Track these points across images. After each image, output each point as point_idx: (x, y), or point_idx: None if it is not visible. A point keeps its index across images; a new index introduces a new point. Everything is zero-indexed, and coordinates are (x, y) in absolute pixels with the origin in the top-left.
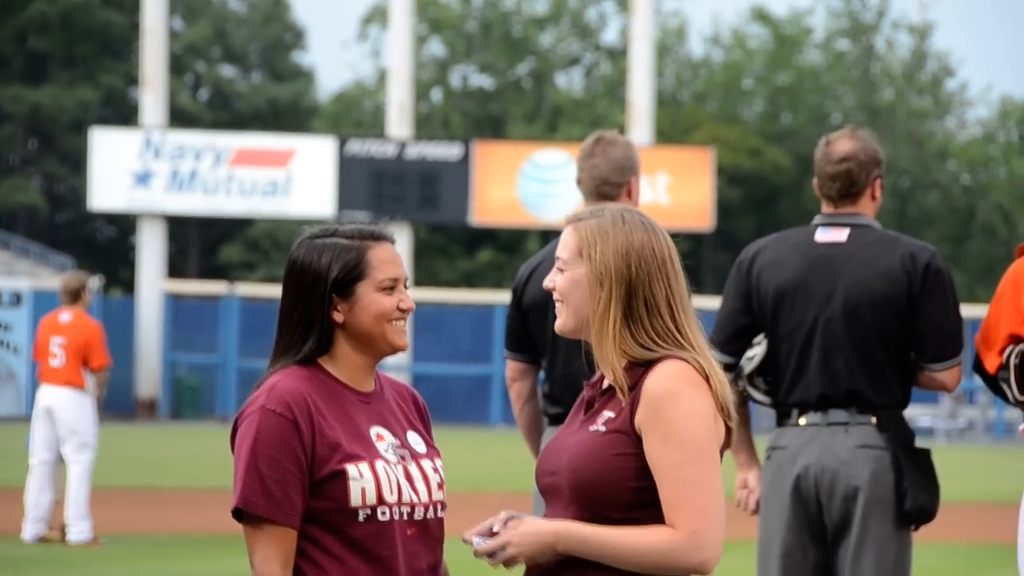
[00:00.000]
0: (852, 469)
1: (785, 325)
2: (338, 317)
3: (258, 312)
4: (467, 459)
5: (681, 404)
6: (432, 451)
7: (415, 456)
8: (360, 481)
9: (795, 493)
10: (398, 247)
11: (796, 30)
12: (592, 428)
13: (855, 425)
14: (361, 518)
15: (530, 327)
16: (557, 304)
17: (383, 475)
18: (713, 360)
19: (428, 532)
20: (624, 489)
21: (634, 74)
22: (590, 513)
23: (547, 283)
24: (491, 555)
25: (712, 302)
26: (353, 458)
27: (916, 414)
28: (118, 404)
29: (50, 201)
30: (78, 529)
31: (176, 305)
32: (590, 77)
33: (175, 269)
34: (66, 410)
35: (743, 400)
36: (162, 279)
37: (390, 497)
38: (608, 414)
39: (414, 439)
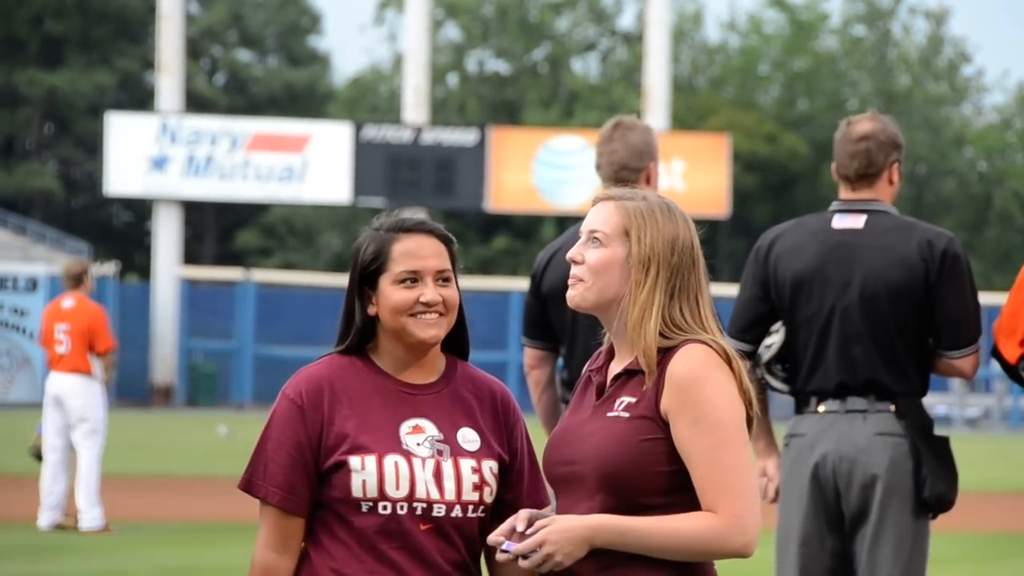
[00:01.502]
0: (870, 457)
1: (803, 313)
2: (371, 310)
3: (274, 298)
4: None
5: (709, 386)
6: (487, 451)
7: (456, 453)
8: (361, 473)
9: (813, 481)
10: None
11: (812, 15)
12: (611, 415)
13: (873, 413)
14: (364, 509)
15: (548, 314)
16: (575, 277)
17: (390, 469)
18: (731, 348)
19: (448, 531)
20: (655, 474)
21: (650, 59)
22: (620, 501)
23: (573, 254)
24: (524, 556)
25: (727, 289)
26: (359, 450)
27: (931, 402)
28: (133, 391)
29: (66, 186)
30: (90, 516)
31: (192, 291)
32: (606, 62)
33: (191, 255)
34: (75, 397)
35: (761, 388)
36: (178, 265)
37: (395, 492)
38: (627, 399)
39: (467, 435)
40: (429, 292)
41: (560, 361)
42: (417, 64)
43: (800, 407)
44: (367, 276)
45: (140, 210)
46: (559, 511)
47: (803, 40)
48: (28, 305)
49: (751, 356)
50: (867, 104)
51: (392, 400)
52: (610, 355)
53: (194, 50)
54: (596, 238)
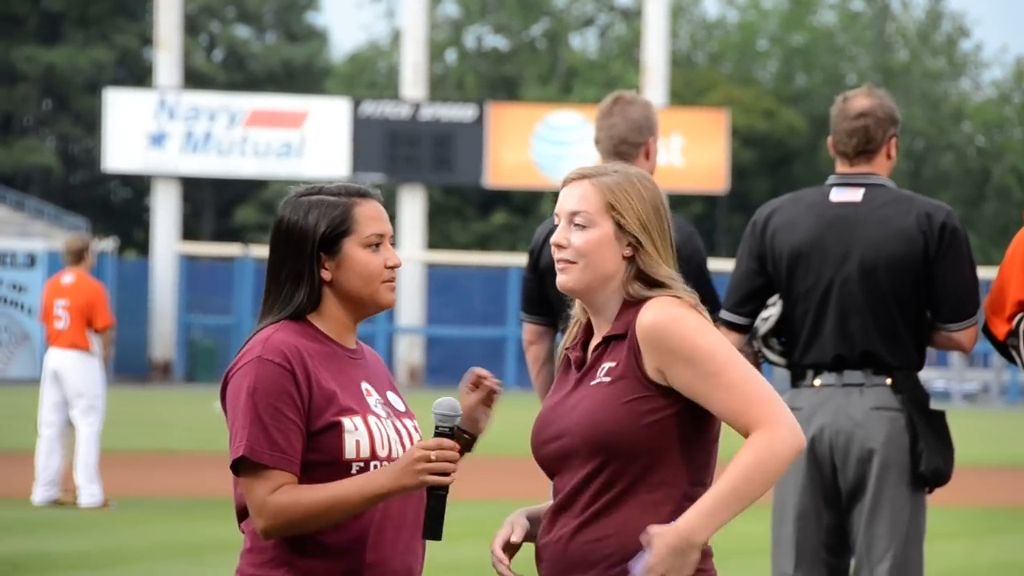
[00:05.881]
0: (867, 431)
1: (800, 286)
2: (326, 275)
3: None
4: None
5: (679, 324)
6: (409, 412)
7: (397, 414)
8: (355, 434)
9: (810, 455)
10: (413, 208)
11: None
12: (594, 383)
13: (870, 387)
14: (354, 471)
15: (547, 289)
16: (564, 261)
17: (376, 429)
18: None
19: None
20: (643, 434)
21: (648, 35)
22: (612, 464)
23: (558, 239)
24: None
25: (726, 264)
26: (348, 411)
27: (929, 377)
28: (132, 366)
29: (64, 162)
30: (88, 492)
31: (190, 267)
32: (604, 38)
33: (189, 231)
34: (72, 372)
35: (757, 362)
36: (176, 241)
37: (381, 451)
38: (608, 365)
39: (393, 398)
40: (393, 256)
41: (559, 336)
42: (415, 40)
43: (796, 381)
44: (330, 240)
45: (138, 186)
46: (556, 490)
47: (801, 15)
48: (27, 281)
49: (747, 329)
50: (865, 79)
51: (345, 364)
52: (587, 334)
53: (192, 26)
54: (579, 220)
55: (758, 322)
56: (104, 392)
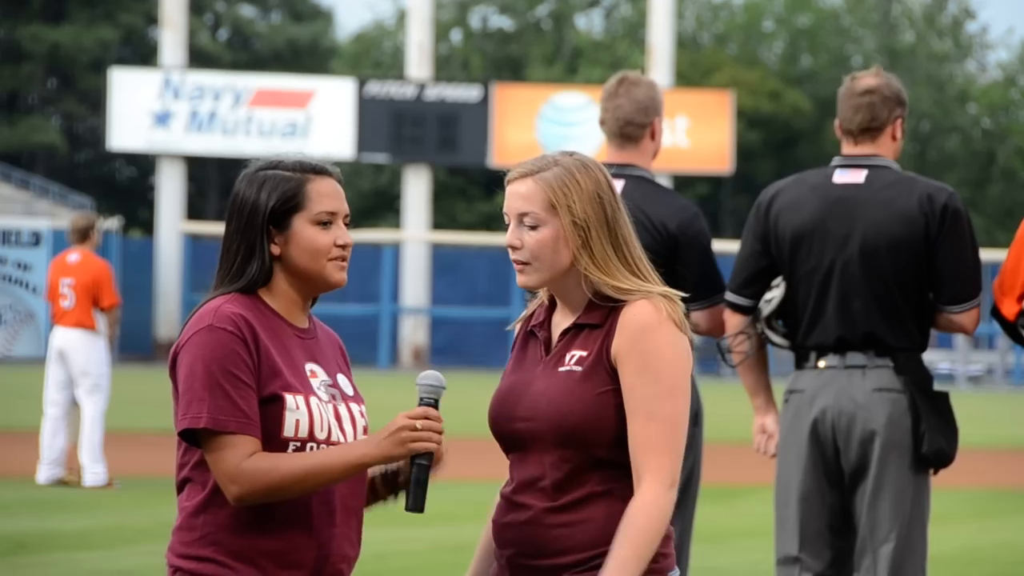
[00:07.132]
0: (869, 413)
1: (803, 267)
2: (275, 250)
3: None
4: (486, 403)
5: (659, 337)
6: (358, 396)
7: (344, 398)
8: (296, 413)
9: (812, 436)
10: (418, 189)
11: None
12: (563, 369)
13: (872, 368)
14: (290, 450)
15: None
16: (519, 263)
17: (316, 411)
18: (672, 295)
19: None
20: (612, 427)
21: (654, 15)
22: (579, 455)
23: (511, 241)
24: None
25: (731, 245)
26: (291, 388)
27: (934, 359)
28: (137, 346)
29: (69, 141)
30: (93, 472)
31: (195, 246)
32: (610, 18)
33: (194, 210)
34: (78, 352)
35: (761, 343)
36: (181, 220)
37: (320, 434)
38: (578, 353)
39: (343, 381)
40: (344, 234)
41: None
42: (421, 20)
43: (800, 362)
44: (279, 214)
45: (143, 165)
46: (512, 468)
47: None
48: (32, 260)
49: (751, 311)
50: (871, 61)
51: (292, 343)
52: (550, 310)
53: (197, 5)
54: (528, 221)
55: (761, 304)
56: (109, 371)
